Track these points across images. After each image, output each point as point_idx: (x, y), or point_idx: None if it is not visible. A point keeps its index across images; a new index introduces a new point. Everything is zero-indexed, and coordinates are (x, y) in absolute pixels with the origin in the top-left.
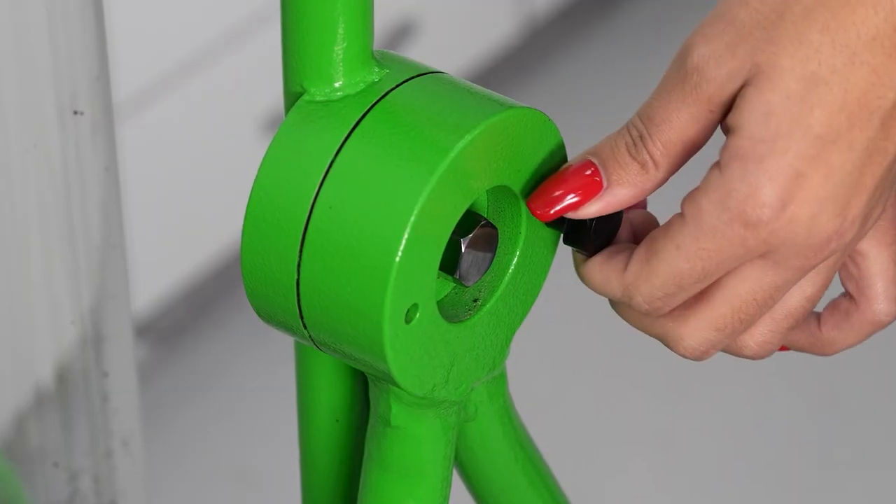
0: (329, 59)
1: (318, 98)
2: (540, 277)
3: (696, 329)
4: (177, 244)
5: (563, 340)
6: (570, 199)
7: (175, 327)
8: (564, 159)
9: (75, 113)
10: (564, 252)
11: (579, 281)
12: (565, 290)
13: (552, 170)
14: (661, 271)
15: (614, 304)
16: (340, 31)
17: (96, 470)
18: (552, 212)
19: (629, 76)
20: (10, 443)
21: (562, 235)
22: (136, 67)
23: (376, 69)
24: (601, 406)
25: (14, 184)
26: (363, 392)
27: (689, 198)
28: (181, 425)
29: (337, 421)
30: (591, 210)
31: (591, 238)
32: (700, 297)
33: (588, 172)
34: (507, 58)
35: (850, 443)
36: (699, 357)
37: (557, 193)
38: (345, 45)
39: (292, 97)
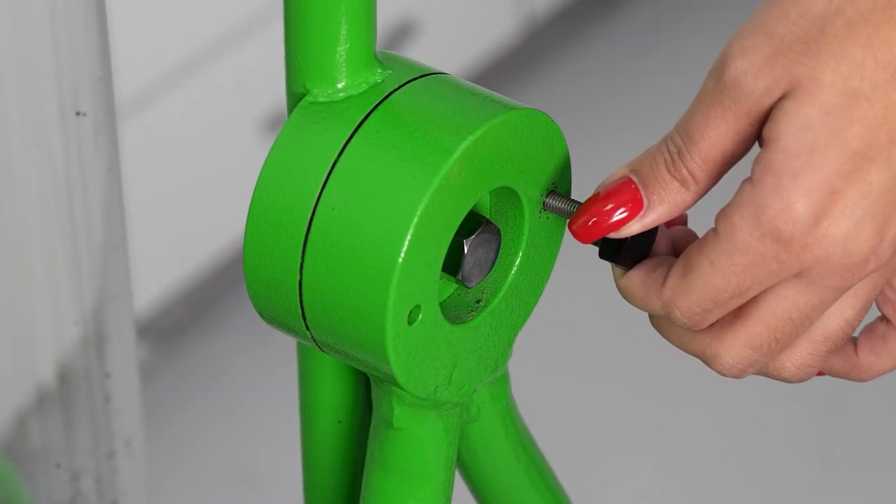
0: (332, 60)
1: (321, 99)
2: (542, 278)
3: (733, 347)
4: (177, 244)
5: (565, 341)
6: (619, 215)
7: (175, 327)
8: (567, 160)
9: (77, 114)
10: (566, 252)
11: (581, 281)
12: (568, 291)
13: (555, 171)
14: (697, 286)
15: (654, 320)
16: (343, 32)
17: (98, 470)
18: (596, 231)
19: (629, 76)
20: (12, 443)
21: (598, 250)
22: (136, 67)
23: (379, 70)
24: (604, 407)
25: (16, 184)
26: (365, 394)
27: (722, 214)
28: (181, 425)
29: (339, 422)
30: (632, 229)
31: (627, 252)
32: (738, 313)
33: (630, 191)
34: (507, 58)
35: (855, 445)
36: (736, 375)
37: (608, 207)
38: (347, 45)
39: (295, 98)
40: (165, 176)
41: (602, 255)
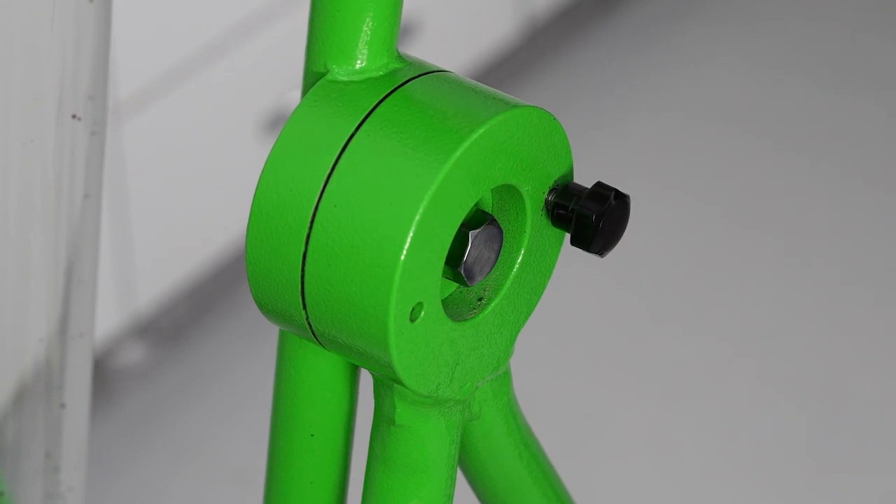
0: (356, 37)
1: (341, 77)
2: (544, 277)
3: None
4: (177, 244)
5: (567, 340)
6: None
7: (175, 327)
8: (570, 158)
9: (73, 117)
10: (567, 251)
11: (582, 280)
12: (569, 289)
13: (557, 169)
14: None
15: None
16: (371, 11)
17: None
18: None
19: (629, 76)
20: None
21: (569, 237)
22: (136, 67)
23: (397, 59)
24: (604, 406)
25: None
26: (341, 409)
27: None
28: (181, 425)
29: (312, 436)
30: None
31: (598, 238)
32: None
33: None
34: (507, 58)
35: (854, 448)
36: None
37: None
38: (373, 25)
39: (314, 77)
40: (165, 176)
41: (573, 242)
